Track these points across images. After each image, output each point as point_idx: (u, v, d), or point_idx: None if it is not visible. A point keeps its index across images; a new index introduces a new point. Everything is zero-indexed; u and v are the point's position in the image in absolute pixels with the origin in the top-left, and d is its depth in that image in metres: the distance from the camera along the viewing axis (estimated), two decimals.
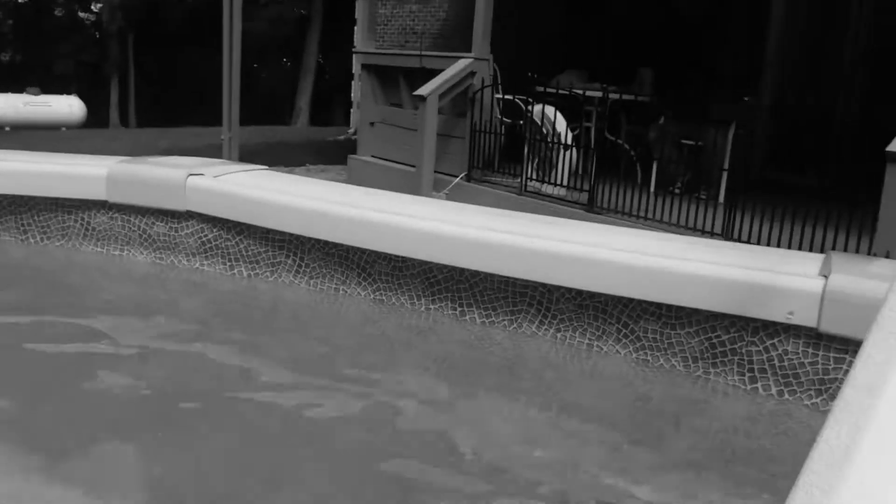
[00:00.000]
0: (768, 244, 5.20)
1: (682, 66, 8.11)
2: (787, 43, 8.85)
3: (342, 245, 2.84)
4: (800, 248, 5.07)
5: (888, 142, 4.63)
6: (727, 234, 5.39)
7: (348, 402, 2.25)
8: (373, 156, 9.30)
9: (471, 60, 7.60)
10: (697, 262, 2.13)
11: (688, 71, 7.87)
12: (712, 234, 5.51)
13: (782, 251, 2.34)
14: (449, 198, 7.60)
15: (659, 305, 2.18)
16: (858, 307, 1.80)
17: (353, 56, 9.67)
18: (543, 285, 2.36)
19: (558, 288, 2.35)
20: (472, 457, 1.96)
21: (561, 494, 1.77)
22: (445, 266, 2.57)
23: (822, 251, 5.05)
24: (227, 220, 3.12)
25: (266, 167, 3.80)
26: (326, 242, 2.91)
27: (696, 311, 2.14)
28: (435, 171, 7.64)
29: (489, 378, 2.40)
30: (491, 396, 2.31)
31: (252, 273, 3.20)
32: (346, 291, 2.94)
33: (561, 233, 2.42)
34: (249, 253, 3.21)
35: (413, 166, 7.81)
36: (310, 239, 2.96)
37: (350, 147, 10.39)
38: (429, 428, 2.10)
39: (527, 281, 2.40)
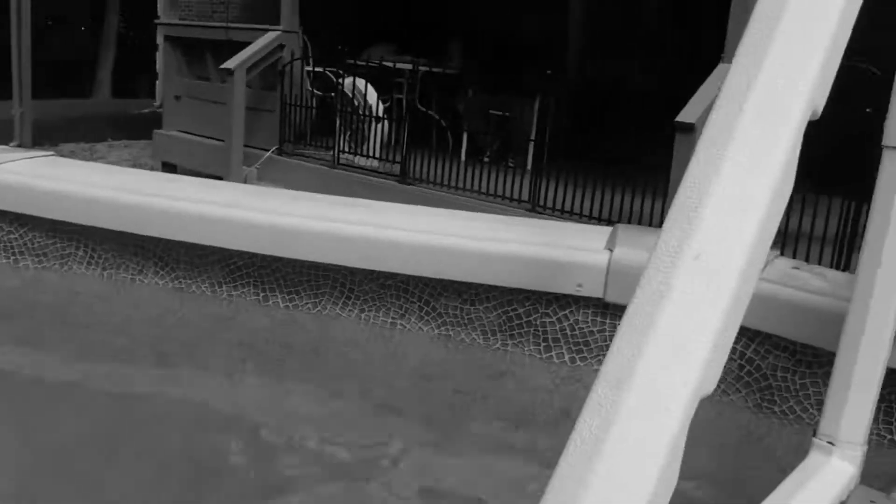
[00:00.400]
0: (571, 210, 5.49)
1: (490, 40, 8.32)
2: (589, 16, 9.31)
3: (136, 235, 2.69)
4: (600, 213, 5.40)
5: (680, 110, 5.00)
6: (533, 202, 5.63)
7: (150, 396, 2.16)
8: (180, 130, 8.85)
9: (279, 33, 7.39)
10: (494, 242, 2.20)
11: (495, 44, 8.08)
12: (520, 202, 5.74)
13: (574, 226, 2.47)
14: (260, 172, 7.40)
15: (457, 283, 2.25)
16: (639, 278, 1.93)
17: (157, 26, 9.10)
18: (345, 267, 2.36)
19: (361, 269, 2.36)
20: (277, 438, 1.94)
21: (372, 472, 1.79)
22: (245, 252, 2.50)
23: (619, 215, 5.41)
24: (9, 213, 2.87)
25: (52, 153, 3.51)
26: (120, 233, 2.75)
27: (493, 288, 2.22)
28: (246, 146, 7.39)
29: (294, 361, 2.38)
30: (296, 378, 2.29)
31: (40, 266, 2.97)
32: (144, 281, 2.79)
33: (360, 215, 2.42)
34: (36, 245, 2.97)
35: (222, 141, 7.52)
36: (101, 229, 2.78)
37: (156, 121, 9.82)
38: (233, 413, 2.06)
39: (328, 264, 2.38)
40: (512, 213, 5.73)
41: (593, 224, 5.36)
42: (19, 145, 10.99)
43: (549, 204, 5.61)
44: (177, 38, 8.81)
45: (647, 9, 8.83)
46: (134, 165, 10.57)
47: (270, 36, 7.39)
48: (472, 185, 5.97)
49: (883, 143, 1.60)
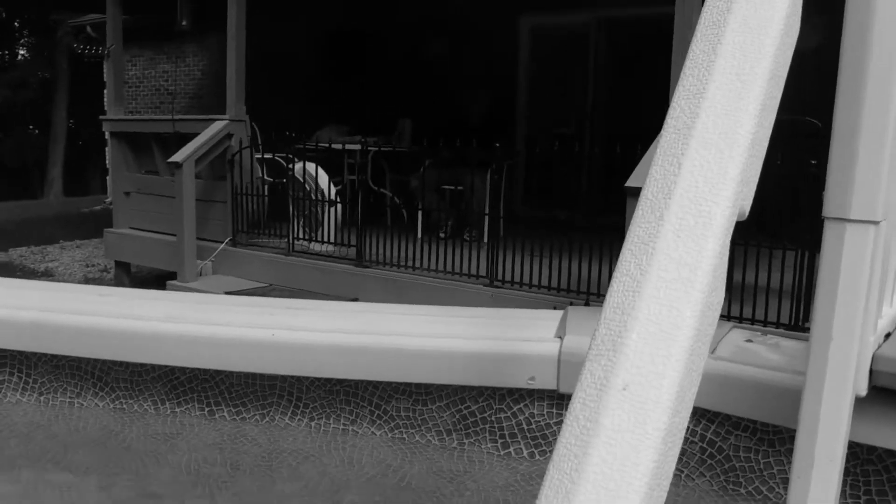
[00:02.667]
0: (529, 282, 5.46)
1: (439, 116, 8.41)
2: (534, 88, 9.50)
3: (71, 357, 2.57)
4: (559, 283, 5.37)
5: (627, 177, 5.05)
6: (491, 277, 5.60)
7: None
8: (131, 227, 8.73)
9: (226, 122, 7.39)
10: (439, 339, 2.13)
11: (444, 120, 8.17)
12: (478, 277, 5.70)
13: (523, 314, 2.41)
14: (215, 265, 7.30)
15: (408, 384, 2.16)
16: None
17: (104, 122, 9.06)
18: (292, 377, 2.27)
19: (308, 377, 2.27)
20: None
21: None
22: (188, 368, 2.39)
23: (577, 283, 5.39)
24: None
25: None
26: (55, 356, 2.62)
27: (444, 387, 2.14)
28: (199, 239, 7.30)
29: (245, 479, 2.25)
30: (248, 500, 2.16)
31: None
32: (84, 404, 2.66)
33: (303, 321, 2.34)
34: None
35: (175, 235, 7.41)
36: (34, 353, 2.65)
37: (108, 217, 9.71)
38: None
39: (275, 374, 2.29)
40: (470, 290, 5.69)
41: (552, 295, 5.33)
42: None
43: (507, 277, 5.58)
44: (123, 134, 8.78)
45: (591, 79, 9.04)
46: (86, 266, 10.40)
47: (217, 126, 7.39)
48: (430, 263, 5.93)
49: (823, 214, 1.58)
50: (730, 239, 0.84)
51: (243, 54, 7.30)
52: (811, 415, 1.66)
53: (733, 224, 0.84)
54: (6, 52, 25.03)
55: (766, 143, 0.91)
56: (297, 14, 9.92)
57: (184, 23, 8.01)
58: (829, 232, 1.54)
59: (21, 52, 25.78)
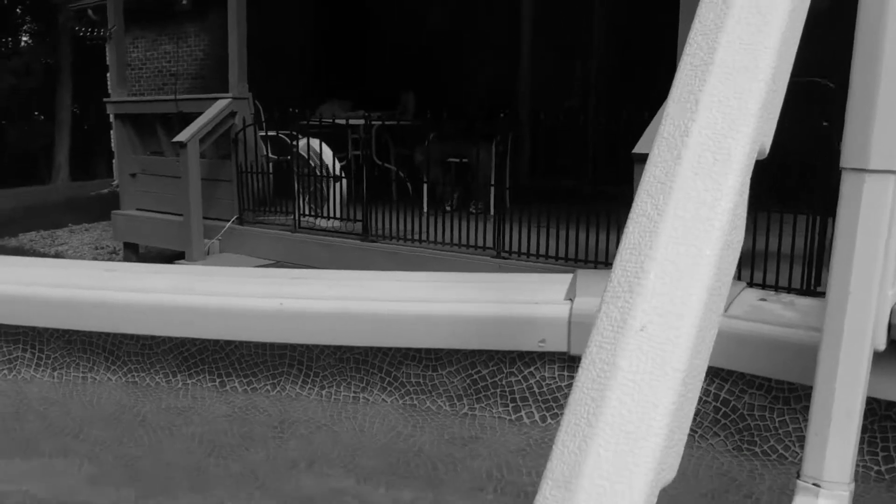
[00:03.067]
0: (536, 253, 5.43)
1: (443, 88, 8.35)
2: (538, 58, 9.41)
3: (83, 332, 2.57)
4: (566, 253, 5.34)
5: (634, 143, 5.00)
6: (498, 249, 5.57)
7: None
8: (138, 208, 8.72)
9: (229, 101, 7.34)
10: (448, 304, 2.11)
11: (448, 92, 8.10)
12: (485, 249, 5.67)
13: (532, 277, 2.39)
14: (222, 244, 7.29)
15: (418, 350, 2.15)
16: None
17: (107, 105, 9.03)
18: (302, 346, 2.26)
19: (317, 345, 2.25)
20: None
21: None
22: (199, 339, 2.39)
23: (585, 252, 5.36)
24: None
25: None
26: (67, 331, 2.62)
27: (454, 352, 2.13)
28: (205, 218, 7.29)
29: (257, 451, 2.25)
30: (260, 469, 2.16)
31: None
32: (96, 379, 2.66)
33: (311, 289, 2.32)
34: None
35: (181, 215, 7.40)
36: (46, 329, 2.65)
37: (116, 200, 9.71)
38: None
39: (285, 343, 2.28)
40: (477, 261, 5.66)
41: (559, 265, 5.31)
42: None
43: (514, 248, 5.55)
44: (127, 116, 8.74)
45: (595, 46, 8.95)
46: (95, 248, 10.42)
47: (221, 104, 7.34)
48: (436, 236, 5.90)
49: (841, 165, 1.54)
50: (750, 177, 0.82)
51: (244, 32, 7.24)
52: (828, 371, 1.64)
53: (753, 161, 0.81)
54: (9, 39, 24.97)
55: (787, 78, 0.88)
56: None
57: (184, 2, 7.95)
58: (847, 183, 1.51)
59: (24, 38, 25.71)
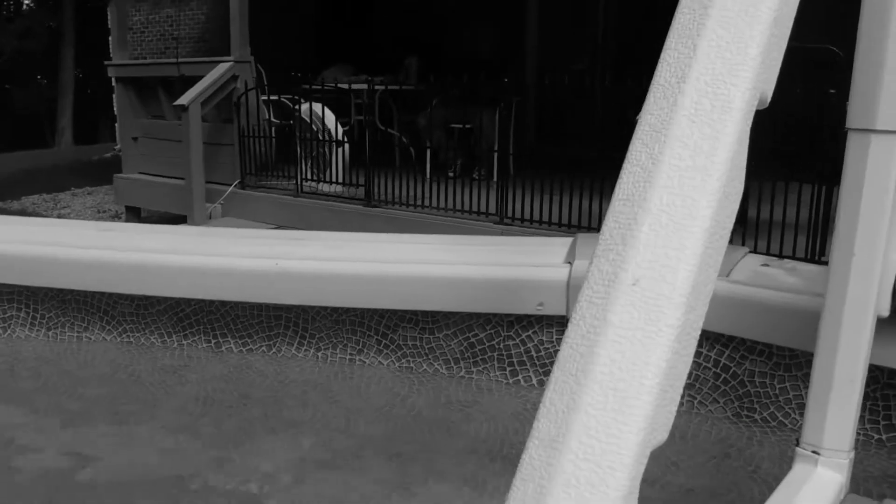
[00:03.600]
0: (539, 220, 5.39)
1: (446, 53, 8.24)
2: (544, 21, 9.27)
3: (77, 290, 2.55)
4: (569, 220, 5.30)
5: (638, 109, 4.94)
6: (501, 215, 5.53)
7: (111, 459, 2.01)
8: (140, 172, 8.68)
9: (231, 64, 7.26)
10: (445, 265, 2.09)
11: (452, 57, 7.99)
12: (487, 216, 5.63)
13: (532, 240, 2.36)
14: (224, 208, 7.26)
15: (415, 312, 2.12)
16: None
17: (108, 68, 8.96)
18: (297, 307, 2.23)
19: (313, 306, 2.23)
20: (240, 499, 1.80)
21: None
22: (193, 299, 2.36)
23: (588, 220, 5.32)
24: None
25: None
26: (61, 290, 2.60)
27: (451, 314, 2.10)
28: (208, 182, 7.25)
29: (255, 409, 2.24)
30: (255, 428, 2.15)
31: None
32: (91, 338, 2.64)
33: (307, 250, 2.29)
34: None
35: (183, 179, 7.37)
36: (40, 288, 2.63)
37: (118, 164, 9.68)
38: (191, 472, 1.92)
39: (281, 304, 2.26)
40: (480, 228, 5.62)
41: (563, 232, 5.27)
42: None
43: (517, 215, 5.51)
44: (129, 79, 8.67)
45: (602, 7, 8.81)
46: (98, 212, 10.41)
47: (222, 68, 7.27)
48: (439, 202, 5.86)
49: (846, 125, 1.50)
50: (750, 125, 0.78)
51: None
52: (830, 336, 1.61)
53: (754, 109, 0.77)
54: (11, 2, 24.75)
55: (790, 24, 0.84)
56: None
57: None
58: (853, 143, 1.47)
59: (26, 1, 25.49)
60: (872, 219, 1.50)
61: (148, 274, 2.42)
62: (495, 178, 6.25)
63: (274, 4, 9.21)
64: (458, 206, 5.77)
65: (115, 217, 9.86)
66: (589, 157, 5.51)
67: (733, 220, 0.77)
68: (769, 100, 0.83)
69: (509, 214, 5.53)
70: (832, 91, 4.71)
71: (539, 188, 5.42)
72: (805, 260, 4.76)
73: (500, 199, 5.57)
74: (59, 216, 10.20)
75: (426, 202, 5.94)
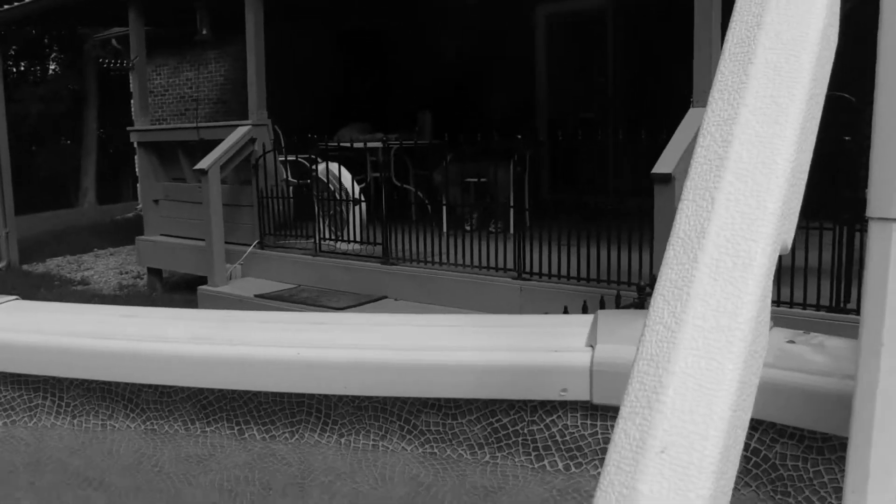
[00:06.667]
0: (558, 274, 5.37)
1: (461, 109, 8.33)
2: (553, 75, 9.36)
3: (102, 381, 2.56)
4: (588, 273, 5.28)
5: (653, 162, 4.95)
6: (519, 270, 5.53)
7: None
8: (161, 234, 8.79)
9: (249, 127, 7.39)
10: (466, 352, 2.08)
11: (465, 113, 8.08)
12: (506, 271, 5.63)
13: (552, 320, 2.35)
14: (244, 268, 7.31)
15: (437, 399, 2.11)
16: (627, 376, 1.80)
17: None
18: (324, 395, 2.23)
19: (335, 394, 2.23)
20: None
21: None
22: (216, 388, 2.37)
23: (607, 273, 5.29)
24: None
25: (15, 297, 3.38)
26: (86, 380, 2.61)
27: (474, 400, 2.09)
28: (227, 242, 7.33)
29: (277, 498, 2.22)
30: None
31: (8, 421, 2.82)
32: (116, 426, 2.65)
33: (329, 337, 2.29)
34: (1, 399, 2.83)
35: (204, 240, 7.45)
36: (68, 378, 2.65)
37: (139, 224, 9.82)
38: None
39: (303, 393, 2.25)
40: (498, 284, 5.62)
41: (582, 286, 5.25)
42: (8, 265, 10.99)
43: (535, 269, 5.50)
44: (150, 143, 8.83)
45: (611, 62, 8.89)
46: (120, 273, 10.51)
47: (241, 131, 7.39)
48: (456, 257, 5.88)
49: (867, 214, 1.49)
50: (772, 278, 0.77)
51: (263, 60, 7.29)
52: (864, 424, 1.58)
53: (775, 262, 0.77)
54: (38, 67, 25.45)
55: (806, 170, 0.83)
56: (313, 16, 9.89)
57: (204, 32, 8.02)
58: (875, 233, 1.45)
59: (51, 66, 26.22)
60: None
61: (170, 364, 2.43)
62: (512, 231, 6.27)
63: (289, 66, 9.39)
64: (476, 262, 5.79)
65: (137, 278, 9.95)
66: (603, 205, 5.52)
67: (758, 377, 0.76)
68: (790, 246, 0.82)
69: (527, 269, 5.53)
70: (847, 138, 4.71)
71: (556, 240, 5.42)
72: (830, 307, 4.71)
73: (517, 253, 5.57)
74: (83, 278, 10.32)
75: (444, 258, 5.96)
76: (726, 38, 0.85)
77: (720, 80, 0.81)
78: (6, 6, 9.97)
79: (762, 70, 0.78)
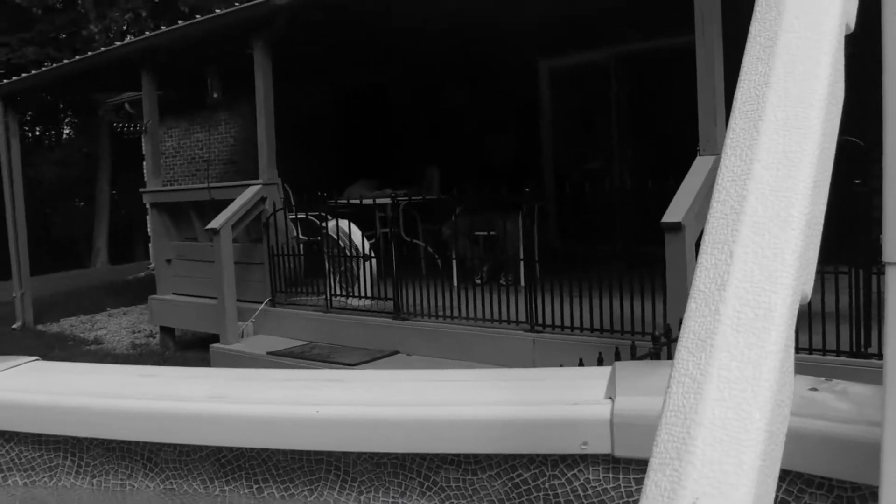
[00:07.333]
0: (571, 325, 5.37)
1: (467, 162, 8.43)
2: (559, 129, 9.49)
3: (124, 441, 2.56)
4: (601, 324, 5.27)
5: (661, 211, 4.98)
6: (532, 322, 5.52)
7: None
8: (174, 293, 8.85)
9: (259, 186, 7.49)
10: (484, 406, 2.08)
11: (472, 166, 8.18)
12: (518, 323, 5.62)
13: (569, 373, 2.35)
14: (256, 326, 7.33)
15: (456, 455, 2.10)
16: (648, 428, 1.79)
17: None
18: (343, 452, 2.23)
19: (355, 452, 2.22)
20: None
21: None
22: (235, 447, 2.37)
23: (621, 323, 5.28)
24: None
25: (36, 358, 3.40)
26: (105, 439, 2.62)
27: (493, 455, 2.08)
28: (239, 300, 7.37)
29: None
30: None
31: (29, 481, 2.82)
32: (135, 486, 2.64)
33: (345, 394, 2.30)
34: (23, 459, 2.84)
35: (216, 298, 7.49)
36: (87, 438, 2.66)
37: (151, 283, 9.89)
38: None
39: (321, 451, 2.25)
40: (511, 336, 5.61)
41: (595, 337, 5.24)
42: (23, 325, 11.05)
43: (548, 321, 5.50)
44: (162, 204, 8.95)
45: (615, 114, 9.02)
46: (132, 332, 10.54)
47: (251, 191, 7.49)
48: (468, 311, 5.88)
49: (884, 259, 1.50)
50: (794, 327, 0.79)
51: (272, 121, 7.43)
52: (893, 473, 1.57)
53: (796, 312, 0.79)
54: (52, 132, 25.97)
55: (821, 221, 0.86)
56: (320, 74, 10.09)
57: (215, 95, 8.20)
58: (892, 279, 1.46)
59: (66, 131, 26.74)
60: None
61: (188, 423, 2.44)
62: (522, 283, 6.29)
63: (299, 125, 9.55)
64: (488, 315, 5.79)
65: (150, 337, 9.98)
66: (613, 253, 5.55)
67: (786, 425, 0.78)
68: (809, 296, 0.84)
69: (539, 322, 5.52)
70: (857, 181, 4.74)
71: (567, 292, 5.43)
72: (851, 352, 4.68)
73: (529, 305, 5.58)
74: (96, 337, 10.35)
75: (455, 312, 5.96)
76: (735, 96, 0.88)
77: (732, 138, 0.84)
78: (23, 74, 10.23)
79: (772, 126, 0.81)
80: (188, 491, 2.56)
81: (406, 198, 7.30)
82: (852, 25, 1.04)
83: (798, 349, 4.55)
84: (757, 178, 0.80)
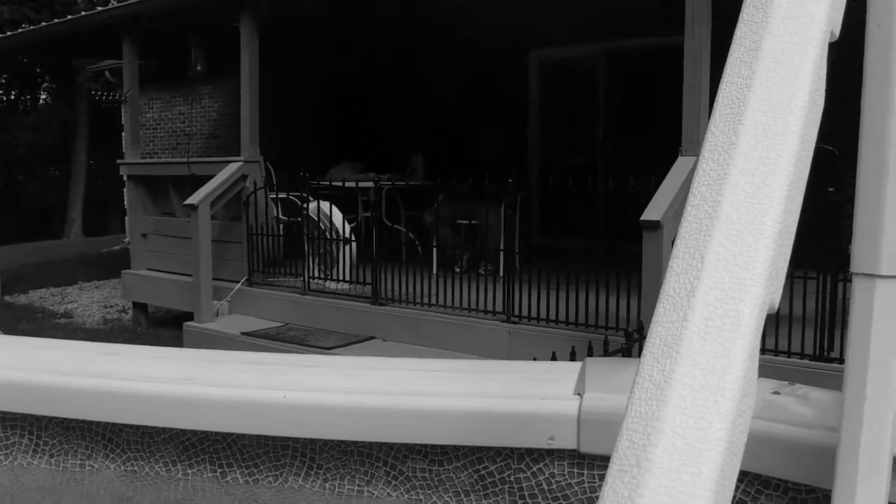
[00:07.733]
0: (546, 318, 5.38)
1: (453, 151, 8.39)
2: (546, 122, 9.47)
3: (84, 420, 2.52)
4: (576, 317, 5.28)
5: (642, 208, 4.99)
6: (508, 313, 5.52)
7: None
8: (148, 268, 8.75)
9: (241, 164, 7.41)
10: (454, 398, 2.07)
11: (457, 154, 8.14)
12: (494, 314, 5.62)
13: (539, 367, 2.34)
14: (231, 305, 7.27)
15: (423, 445, 2.09)
16: (615, 425, 1.79)
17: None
18: (310, 439, 2.21)
19: (321, 438, 2.21)
20: None
21: None
22: (199, 430, 2.34)
23: (595, 317, 5.30)
24: None
25: None
26: (65, 418, 2.58)
27: (461, 447, 2.07)
28: (215, 279, 7.30)
29: None
30: None
31: None
32: (95, 466, 2.60)
33: (316, 380, 2.28)
34: None
35: (191, 276, 7.42)
36: (46, 416, 2.61)
37: (126, 257, 9.77)
38: None
39: (287, 437, 2.23)
40: (487, 325, 5.61)
41: (570, 329, 5.25)
42: None
43: (525, 312, 5.50)
44: (140, 177, 8.83)
45: (602, 108, 9.01)
46: (104, 307, 10.42)
47: (232, 167, 7.41)
48: (445, 299, 5.87)
49: (850, 269, 1.50)
50: (760, 337, 0.78)
51: (257, 98, 7.34)
52: (848, 477, 1.58)
53: (763, 322, 0.78)
54: (28, 96, 25.51)
55: (793, 231, 0.85)
56: (308, 55, 9.99)
57: (198, 67, 8.09)
58: (859, 289, 1.47)
59: (42, 96, 26.26)
60: (882, 363, 1.49)
61: (152, 405, 2.40)
62: (501, 274, 6.28)
63: (283, 104, 9.46)
64: (465, 304, 5.78)
65: (122, 312, 9.87)
66: (592, 250, 5.55)
67: (746, 435, 0.77)
68: (777, 306, 0.83)
69: (516, 313, 5.53)
70: (831, 189, 4.77)
71: (546, 284, 5.43)
72: (813, 356, 4.72)
73: (506, 296, 5.58)
74: (66, 311, 10.22)
75: (433, 300, 5.95)
76: (717, 97, 0.87)
77: (710, 140, 0.83)
78: None
79: (752, 131, 0.80)
80: (150, 473, 2.53)
81: (389, 183, 7.26)
82: (837, 33, 1.03)
83: (763, 350, 4.59)
84: (733, 183, 0.78)
